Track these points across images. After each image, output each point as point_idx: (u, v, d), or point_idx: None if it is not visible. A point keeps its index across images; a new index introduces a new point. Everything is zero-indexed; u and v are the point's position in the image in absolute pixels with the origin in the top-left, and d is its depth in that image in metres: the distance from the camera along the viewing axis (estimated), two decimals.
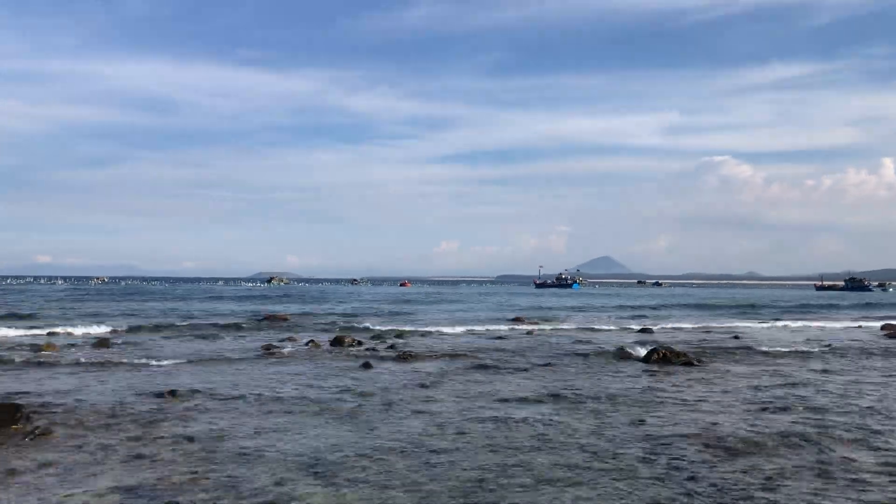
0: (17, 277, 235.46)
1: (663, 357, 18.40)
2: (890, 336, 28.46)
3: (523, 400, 12.73)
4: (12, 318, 34.21)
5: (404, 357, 19.10)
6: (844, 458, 8.63)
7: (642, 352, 19.54)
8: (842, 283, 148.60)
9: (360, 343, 23.22)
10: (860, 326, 35.71)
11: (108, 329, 28.35)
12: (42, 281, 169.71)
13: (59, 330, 26.89)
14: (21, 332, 26.13)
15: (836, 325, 36.84)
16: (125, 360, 18.13)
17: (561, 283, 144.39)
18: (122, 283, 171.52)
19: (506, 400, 12.74)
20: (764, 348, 22.61)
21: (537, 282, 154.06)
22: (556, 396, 13.08)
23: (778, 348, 22.63)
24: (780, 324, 38.22)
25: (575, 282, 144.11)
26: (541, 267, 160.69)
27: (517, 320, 38.28)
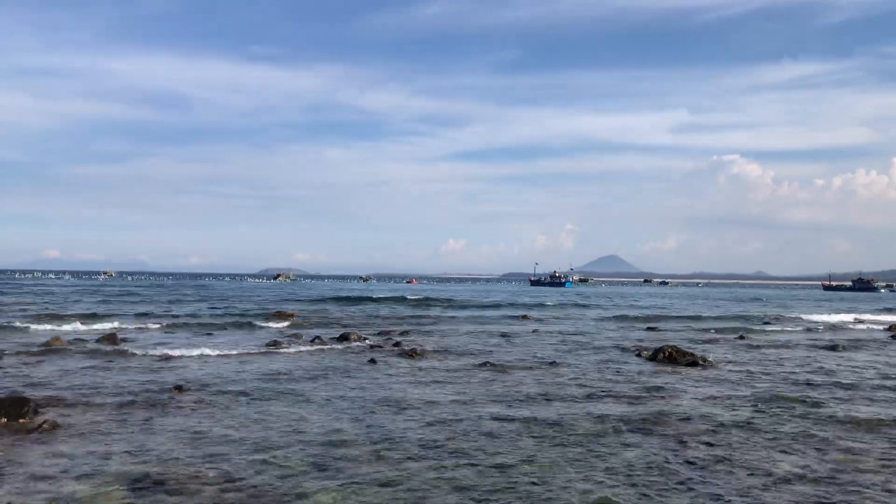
0: (24, 272, 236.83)
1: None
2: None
3: (526, 398, 12.78)
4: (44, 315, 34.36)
5: (410, 354, 19.12)
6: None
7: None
8: (849, 284, 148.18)
9: (365, 339, 23.25)
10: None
11: (112, 325, 28.51)
12: (51, 276, 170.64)
13: (66, 327, 27.01)
14: (36, 326, 26.37)
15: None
16: (132, 354, 18.22)
17: (554, 281, 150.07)
18: (129, 278, 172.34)
19: (509, 399, 12.78)
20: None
21: (532, 279, 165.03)
22: (556, 394, 13.12)
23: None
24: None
25: (568, 280, 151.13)
26: (536, 265, 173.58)
27: (523, 318, 38.35)
